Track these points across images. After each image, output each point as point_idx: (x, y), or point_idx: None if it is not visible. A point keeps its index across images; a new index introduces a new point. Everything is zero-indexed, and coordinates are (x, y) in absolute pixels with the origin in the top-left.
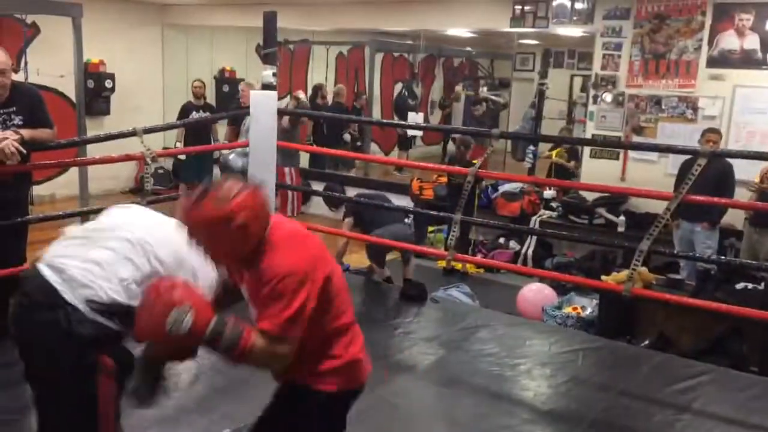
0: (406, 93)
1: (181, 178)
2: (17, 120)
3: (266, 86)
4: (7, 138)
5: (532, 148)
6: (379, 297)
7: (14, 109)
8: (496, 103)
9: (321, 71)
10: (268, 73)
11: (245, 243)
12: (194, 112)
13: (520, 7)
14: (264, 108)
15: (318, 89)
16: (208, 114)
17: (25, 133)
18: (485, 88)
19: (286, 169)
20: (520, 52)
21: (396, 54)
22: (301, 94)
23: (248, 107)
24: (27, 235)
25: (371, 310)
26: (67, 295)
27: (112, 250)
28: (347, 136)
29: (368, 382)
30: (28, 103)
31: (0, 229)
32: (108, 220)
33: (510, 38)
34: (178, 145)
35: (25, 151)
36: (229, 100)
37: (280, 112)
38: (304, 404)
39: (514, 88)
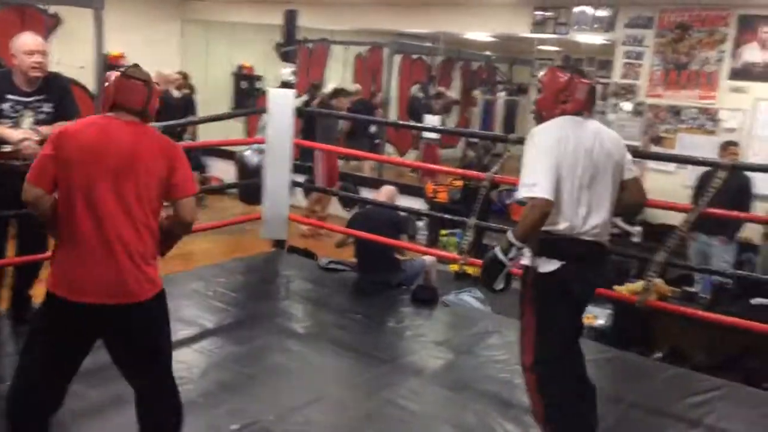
0: (422, 95)
1: None
2: (47, 107)
3: (285, 84)
4: (27, 138)
5: None
6: (389, 299)
7: (45, 96)
8: (448, 98)
9: (339, 71)
10: (287, 71)
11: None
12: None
13: (541, 12)
14: (282, 106)
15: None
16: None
17: (45, 129)
18: (503, 93)
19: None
20: (540, 57)
21: (414, 56)
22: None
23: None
24: None
25: (382, 312)
26: None
27: None
28: (373, 128)
29: (376, 384)
30: (59, 93)
31: (30, 216)
32: None
33: (530, 43)
34: None
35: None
36: (246, 96)
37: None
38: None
39: (532, 94)
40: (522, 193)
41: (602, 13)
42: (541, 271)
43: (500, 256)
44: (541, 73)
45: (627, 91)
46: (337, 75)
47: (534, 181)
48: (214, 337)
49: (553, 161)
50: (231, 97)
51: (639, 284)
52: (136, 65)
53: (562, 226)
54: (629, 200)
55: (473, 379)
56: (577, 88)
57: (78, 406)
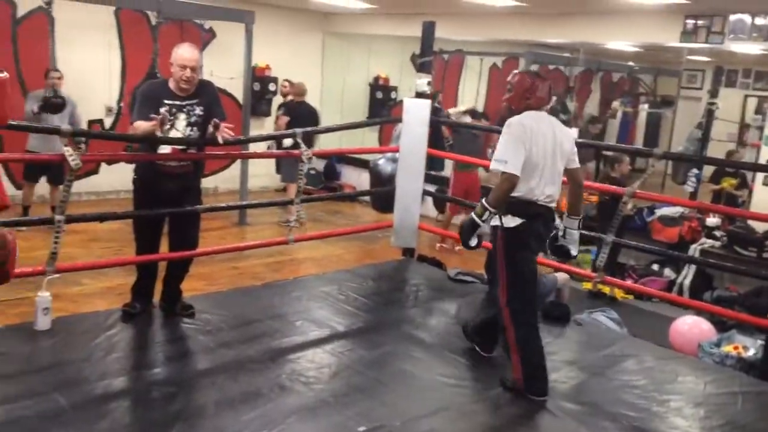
0: (558, 107)
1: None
2: (198, 110)
3: (420, 95)
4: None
5: (695, 171)
6: None
7: (197, 101)
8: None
9: (473, 82)
10: (422, 82)
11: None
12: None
13: (692, 21)
14: (417, 116)
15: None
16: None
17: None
18: (646, 106)
19: None
20: (688, 68)
21: (551, 66)
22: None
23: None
24: (200, 222)
25: None
26: None
27: None
28: None
29: (502, 400)
30: (209, 97)
31: (183, 215)
32: None
33: (677, 54)
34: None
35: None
36: (381, 106)
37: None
38: None
39: (679, 107)
40: (495, 166)
41: (762, 21)
42: (506, 227)
43: (476, 219)
44: (510, 77)
45: None
46: (472, 86)
47: (506, 158)
48: (344, 340)
49: (521, 145)
50: (366, 107)
51: None
52: None
53: (521, 192)
54: (574, 183)
55: (604, 401)
56: (538, 89)
57: (218, 397)
